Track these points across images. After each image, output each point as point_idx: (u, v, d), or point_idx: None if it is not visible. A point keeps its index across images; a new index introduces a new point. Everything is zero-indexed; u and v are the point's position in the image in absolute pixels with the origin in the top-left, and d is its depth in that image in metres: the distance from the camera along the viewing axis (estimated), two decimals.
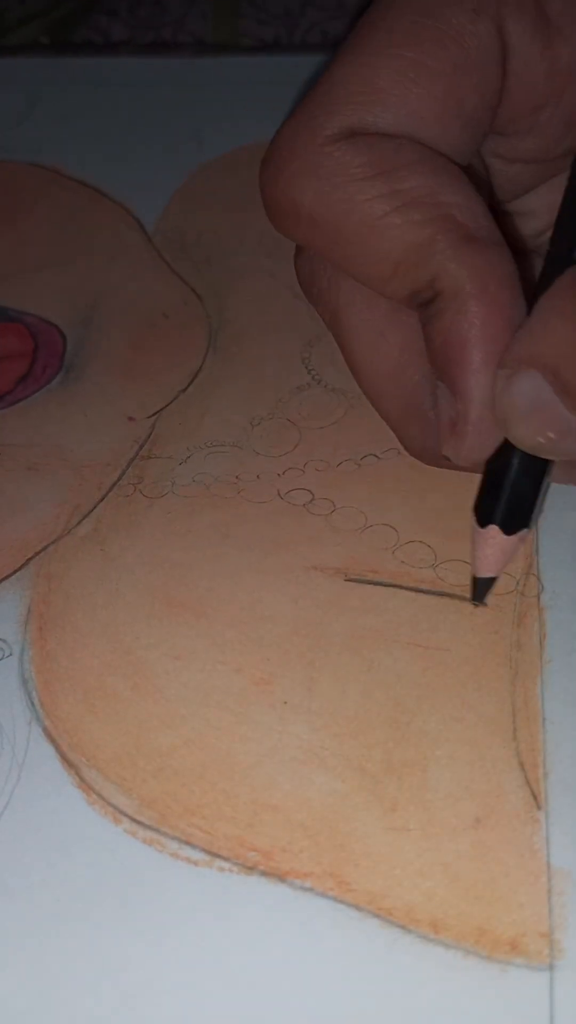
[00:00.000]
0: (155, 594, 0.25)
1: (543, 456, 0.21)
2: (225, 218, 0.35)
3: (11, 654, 0.24)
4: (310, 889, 0.20)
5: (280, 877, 0.20)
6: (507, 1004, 0.19)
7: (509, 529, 0.22)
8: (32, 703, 0.23)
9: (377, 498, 0.26)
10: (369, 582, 0.25)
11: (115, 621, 0.24)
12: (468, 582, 0.24)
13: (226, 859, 0.21)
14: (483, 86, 0.21)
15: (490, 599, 0.24)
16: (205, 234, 0.34)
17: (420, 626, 0.24)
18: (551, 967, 0.19)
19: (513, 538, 0.22)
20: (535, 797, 0.21)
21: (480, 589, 0.23)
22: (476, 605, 0.24)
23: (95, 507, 0.27)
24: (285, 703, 0.23)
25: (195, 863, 0.21)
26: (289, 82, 0.39)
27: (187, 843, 0.21)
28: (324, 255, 0.22)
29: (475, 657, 0.23)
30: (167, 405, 0.29)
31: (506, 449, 0.21)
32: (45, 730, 0.23)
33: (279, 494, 0.27)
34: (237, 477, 0.27)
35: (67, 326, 0.32)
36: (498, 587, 0.24)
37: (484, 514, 0.22)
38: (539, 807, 0.21)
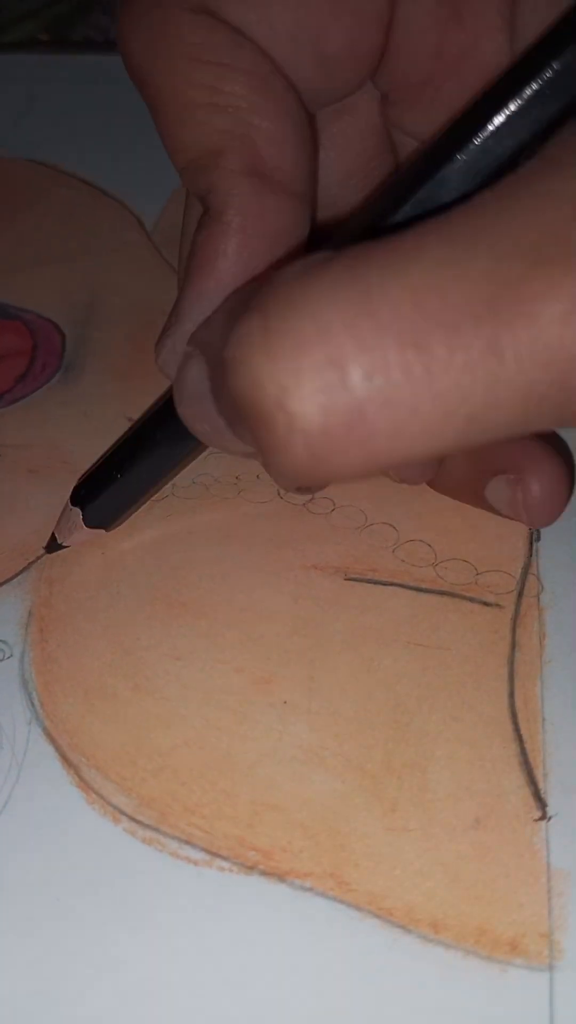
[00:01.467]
0: (155, 594, 0.25)
1: (204, 441, 0.20)
2: None
3: (11, 656, 0.24)
4: (310, 889, 0.20)
5: (280, 877, 0.20)
6: (507, 1004, 0.19)
7: (91, 521, 0.25)
8: (32, 704, 0.23)
9: (377, 497, 0.26)
10: (369, 581, 0.25)
11: (115, 622, 0.24)
12: (469, 581, 0.24)
13: (226, 859, 0.21)
14: (355, 30, 0.20)
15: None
16: None
17: (420, 625, 0.24)
18: (551, 967, 0.19)
19: (89, 532, 0.25)
20: (536, 798, 0.21)
21: (52, 546, 0.25)
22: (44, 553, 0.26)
23: None
24: (285, 703, 0.23)
25: (195, 863, 0.21)
26: None
27: (187, 843, 0.21)
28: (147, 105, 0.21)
29: (475, 657, 0.23)
30: None
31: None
32: (45, 730, 0.23)
33: (279, 494, 0.27)
34: (237, 477, 0.27)
35: (66, 324, 0.32)
36: (498, 586, 0.24)
37: (79, 494, 0.25)
38: (540, 809, 0.21)
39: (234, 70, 0.19)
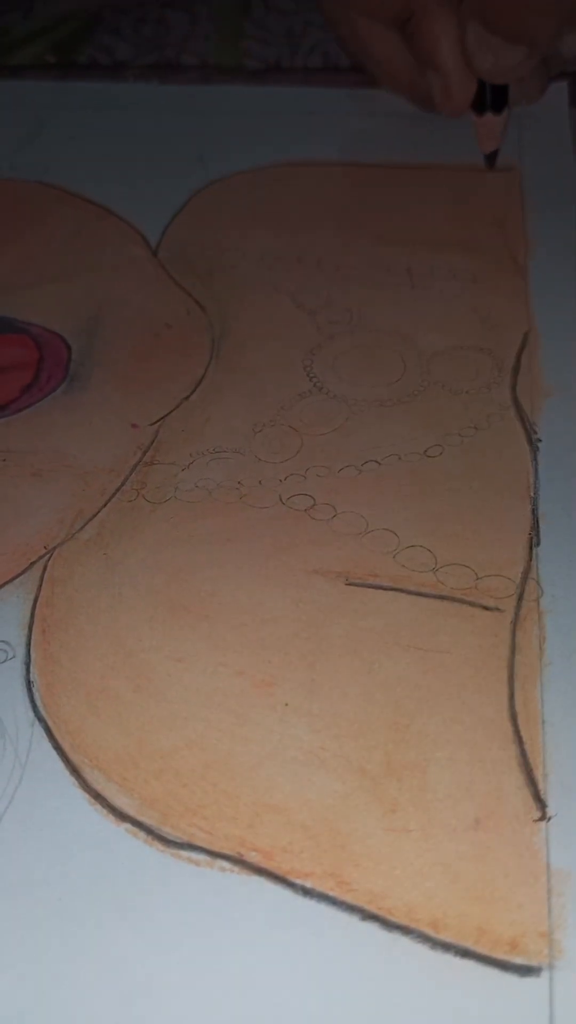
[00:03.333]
0: (157, 597, 0.25)
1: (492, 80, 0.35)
2: (228, 234, 0.35)
3: (14, 656, 0.24)
4: (311, 889, 0.20)
5: (281, 877, 0.20)
6: (507, 1004, 0.19)
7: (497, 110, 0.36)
8: (35, 705, 0.23)
9: (378, 503, 0.27)
10: (370, 586, 0.25)
11: (117, 624, 0.25)
12: (469, 585, 0.25)
13: (227, 859, 0.21)
14: None
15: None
16: (208, 249, 0.35)
17: (420, 629, 0.24)
18: (550, 967, 0.19)
19: (501, 116, 0.36)
20: (536, 799, 0.21)
21: (490, 159, 0.37)
22: (488, 169, 0.37)
23: (99, 512, 0.27)
24: (286, 705, 0.23)
25: (196, 863, 0.21)
26: (288, 110, 0.40)
27: (188, 843, 0.21)
28: None
29: (475, 660, 0.23)
30: (170, 412, 0.30)
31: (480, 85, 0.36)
32: (47, 731, 0.23)
33: (281, 499, 0.27)
34: (239, 483, 0.28)
35: (72, 336, 0.32)
36: (498, 590, 0.25)
37: (479, 107, 0.36)
38: (540, 810, 0.21)
39: None
